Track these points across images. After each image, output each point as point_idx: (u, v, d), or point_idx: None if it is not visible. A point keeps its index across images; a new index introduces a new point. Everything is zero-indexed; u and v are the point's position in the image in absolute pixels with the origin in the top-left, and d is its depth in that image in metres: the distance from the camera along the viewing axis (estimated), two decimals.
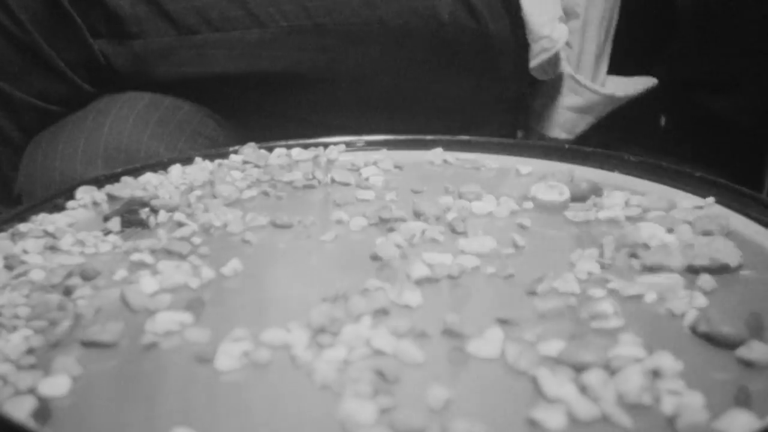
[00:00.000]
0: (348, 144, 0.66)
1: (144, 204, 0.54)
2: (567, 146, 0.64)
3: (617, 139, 1.31)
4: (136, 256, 0.47)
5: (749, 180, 1.29)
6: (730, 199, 0.55)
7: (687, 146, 1.32)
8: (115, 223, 0.52)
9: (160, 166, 0.61)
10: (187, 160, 0.63)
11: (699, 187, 0.58)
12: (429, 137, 0.67)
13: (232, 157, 0.63)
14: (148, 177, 0.60)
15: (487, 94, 0.88)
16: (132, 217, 0.53)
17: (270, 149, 0.65)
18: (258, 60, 0.76)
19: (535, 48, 0.85)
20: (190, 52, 0.74)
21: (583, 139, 1.22)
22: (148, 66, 0.76)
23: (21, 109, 0.77)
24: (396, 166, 0.63)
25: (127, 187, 0.57)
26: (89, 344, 0.39)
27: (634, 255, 0.47)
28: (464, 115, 0.87)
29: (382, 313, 0.41)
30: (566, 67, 0.90)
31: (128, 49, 0.76)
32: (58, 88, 0.77)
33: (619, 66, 1.11)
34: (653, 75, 1.25)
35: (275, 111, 0.80)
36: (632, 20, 1.23)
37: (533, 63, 0.85)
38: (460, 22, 0.82)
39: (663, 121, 1.36)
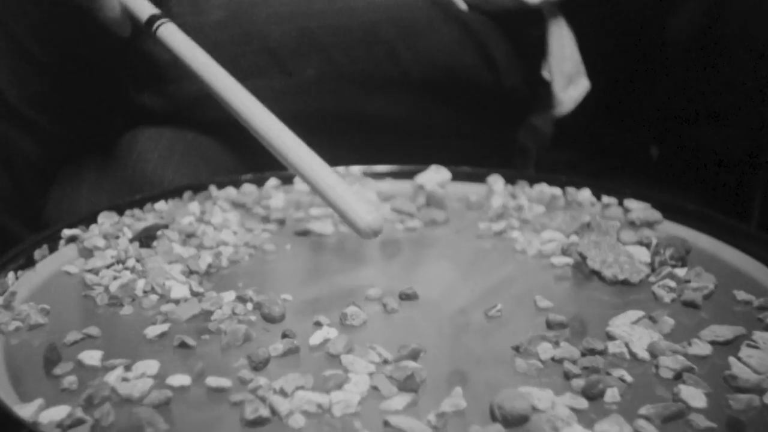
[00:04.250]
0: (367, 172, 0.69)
1: (163, 228, 0.56)
2: None
3: (610, 170, 1.34)
4: None
5: (738, 210, 1.31)
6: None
7: (678, 177, 1.34)
8: (135, 247, 0.54)
9: (177, 193, 0.64)
10: (201, 188, 0.65)
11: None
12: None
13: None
14: (170, 204, 0.62)
15: (494, 133, 0.92)
16: (149, 241, 0.55)
17: (289, 178, 0.67)
18: (284, 106, 0.78)
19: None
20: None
21: (574, 169, 1.25)
22: (181, 110, 0.78)
23: (52, 140, 0.79)
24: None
25: (148, 213, 0.60)
26: None
27: None
28: (468, 148, 0.90)
29: None
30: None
31: (164, 95, 0.78)
32: (91, 125, 0.79)
33: (610, 96, 1.14)
34: (645, 107, 1.28)
35: None
36: (623, 53, 1.26)
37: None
38: (479, 76, 0.86)
39: (654, 152, 1.38)
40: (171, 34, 0.61)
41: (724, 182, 1.30)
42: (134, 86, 0.78)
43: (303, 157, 0.54)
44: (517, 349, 0.41)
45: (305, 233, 0.58)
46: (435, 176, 0.66)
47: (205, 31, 0.76)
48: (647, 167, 1.37)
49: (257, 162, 0.82)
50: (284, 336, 0.43)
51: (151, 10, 0.63)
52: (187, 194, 0.63)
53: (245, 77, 0.78)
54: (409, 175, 0.68)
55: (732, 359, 0.40)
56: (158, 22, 0.62)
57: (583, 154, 1.34)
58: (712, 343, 0.42)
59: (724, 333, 0.42)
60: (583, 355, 0.40)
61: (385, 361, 0.40)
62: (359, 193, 0.62)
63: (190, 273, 0.51)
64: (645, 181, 1.33)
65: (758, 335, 0.42)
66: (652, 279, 0.49)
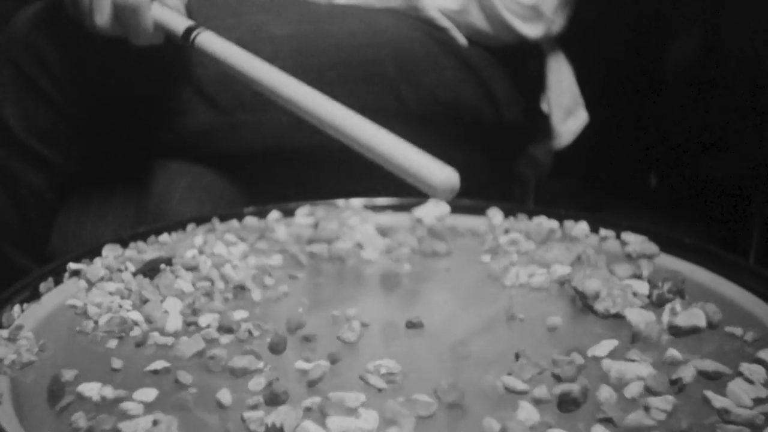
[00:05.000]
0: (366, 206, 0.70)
1: (166, 262, 0.57)
2: None
3: (609, 198, 1.34)
4: None
5: (736, 238, 1.31)
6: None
7: (676, 206, 1.34)
8: (140, 280, 0.55)
9: (180, 225, 0.64)
10: (205, 220, 0.66)
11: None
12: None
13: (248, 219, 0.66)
14: (173, 237, 0.62)
15: (494, 164, 0.93)
16: (153, 274, 0.56)
17: (291, 211, 0.68)
18: (286, 139, 0.80)
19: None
20: (225, 131, 0.79)
21: (574, 199, 1.26)
22: (186, 142, 0.80)
23: (58, 173, 0.81)
24: None
25: (152, 246, 0.60)
26: None
27: None
28: (468, 180, 0.91)
29: None
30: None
31: (169, 128, 0.79)
32: (97, 158, 0.80)
33: (609, 126, 1.15)
34: (643, 137, 1.29)
35: (296, 180, 0.84)
36: (621, 84, 1.27)
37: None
38: (479, 110, 0.87)
39: (653, 181, 1.39)
40: (209, 41, 0.62)
41: (722, 211, 1.31)
42: (141, 120, 0.79)
43: (364, 128, 0.54)
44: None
45: (308, 264, 0.59)
46: (433, 210, 0.67)
47: (210, 67, 0.78)
48: (646, 196, 1.38)
49: (261, 194, 0.83)
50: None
51: (186, 22, 0.64)
52: (190, 227, 0.64)
53: (249, 111, 0.80)
54: (409, 208, 0.68)
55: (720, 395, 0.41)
56: (195, 32, 0.63)
57: (583, 183, 1.35)
58: (699, 374, 0.42)
59: (708, 366, 0.43)
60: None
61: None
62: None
63: (193, 309, 0.51)
64: (644, 210, 1.34)
65: (745, 367, 0.43)
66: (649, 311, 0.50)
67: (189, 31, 0.63)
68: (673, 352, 0.44)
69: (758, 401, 0.40)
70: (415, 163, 0.50)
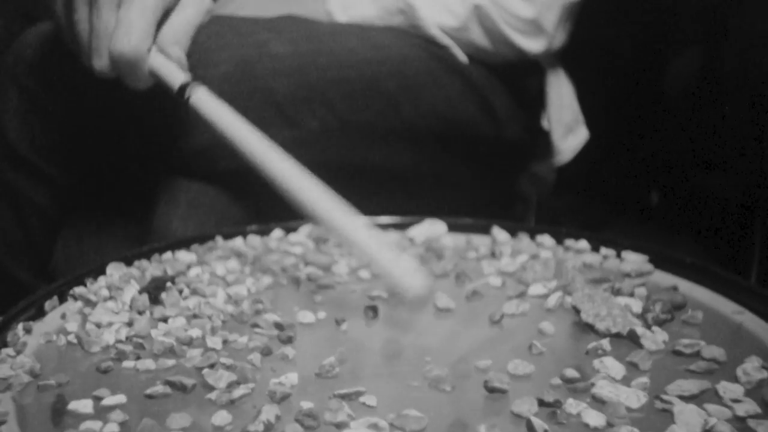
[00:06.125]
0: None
1: (170, 281, 0.58)
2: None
3: (610, 215, 1.35)
4: None
5: (738, 255, 1.31)
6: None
7: (678, 222, 1.35)
8: (144, 299, 0.55)
9: (183, 244, 0.65)
10: (207, 238, 0.66)
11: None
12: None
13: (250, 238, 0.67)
14: (177, 255, 0.63)
15: (495, 182, 0.94)
16: (157, 293, 0.56)
17: (293, 229, 0.69)
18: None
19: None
20: (226, 149, 0.79)
21: (576, 214, 1.26)
22: (189, 160, 0.80)
23: (61, 190, 0.81)
24: None
25: (155, 264, 0.61)
26: None
27: None
28: (469, 197, 0.92)
29: None
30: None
31: (173, 147, 0.80)
32: (99, 176, 0.81)
33: (610, 143, 1.16)
34: (644, 154, 1.29)
35: None
36: (622, 102, 1.28)
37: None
38: (480, 127, 0.88)
39: (654, 198, 1.39)
40: (202, 101, 0.62)
41: (724, 228, 1.31)
42: (144, 138, 0.80)
43: (345, 221, 0.54)
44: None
45: (309, 286, 0.60)
46: (427, 230, 0.67)
47: (212, 84, 0.78)
48: (647, 213, 1.38)
49: (264, 212, 0.83)
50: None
51: (182, 78, 0.64)
52: (194, 246, 0.64)
53: None
54: (409, 227, 0.69)
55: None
56: (187, 93, 0.62)
57: (584, 200, 1.35)
58: (679, 397, 0.43)
59: (689, 387, 0.43)
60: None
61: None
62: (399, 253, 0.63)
63: (198, 332, 0.52)
64: (645, 227, 1.35)
65: (723, 386, 0.44)
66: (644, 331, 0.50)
67: (182, 89, 0.63)
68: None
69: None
70: (391, 267, 0.51)
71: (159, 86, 0.65)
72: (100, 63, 0.64)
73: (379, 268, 0.52)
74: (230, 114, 0.61)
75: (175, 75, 0.64)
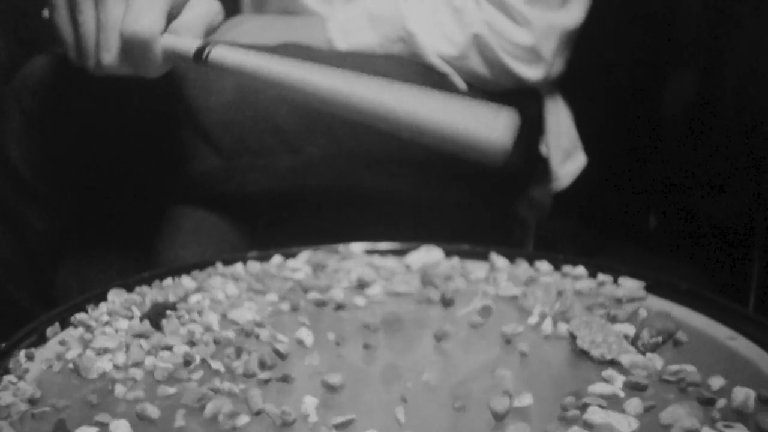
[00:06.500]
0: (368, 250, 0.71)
1: (171, 307, 0.58)
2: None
3: (608, 239, 1.35)
4: None
5: (736, 278, 1.32)
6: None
7: (676, 245, 1.35)
8: (145, 326, 0.56)
9: (185, 270, 0.66)
10: (207, 264, 0.67)
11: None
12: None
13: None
14: (178, 281, 0.64)
15: (493, 207, 0.95)
16: (158, 319, 0.57)
17: (294, 255, 0.69)
18: (290, 183, 0.82)
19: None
20: (229, 175, 0.81)
21: (575, 238, 1.26)
22: (190, 186, 0.82)
23: (64, 216, 0.82)
24: None
25: (156, 291, 0.62)
26: None
27: None
28: (468, 222, 0.93)
29: None
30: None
31: (175, 173, 0.81)
32: (101, 201, 0.82)
33: (608, 167, 1.17)
34: (643, 177, 1.30)
35: (300, 223, 0.86)
36: (620, 126, 1.29)
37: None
38: None
39: (653, 221, 1.40)
40: (222, 55, 0.61)
41: (722, 252, 1.32)
42: (146, 164, 0.81)
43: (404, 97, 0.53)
44: None
45: (308, 310, 0.60)
46: (424, 256, 0.68)
47: (214, 112, 0.80)
48: (645, 237, 1.39)
49: (264, 238, 0.84)
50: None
51: (195, 43, 0.62)
52: (195, 272, 0.65)
53: (253, 156, 0.81)
54: (406, 253, 0.70)
55: None
56: (206, 51, 0.61)
57: (582, 223, 1.36)
58: (672, 424, 0.43)
59: (682, 413, 0.44)
60: None
61: None
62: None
63: (198, 358, 0.52)
64: (643, 251, 1.35)
65: (717, 411, 0.44)
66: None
67: (200, 51, 0.61)
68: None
69: None
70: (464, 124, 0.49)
71: (165, 99, 0.65)
72: (109, 57, 0.63)
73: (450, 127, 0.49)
74: (254, 54, 0.60)
75: (190, 43, 0.62)
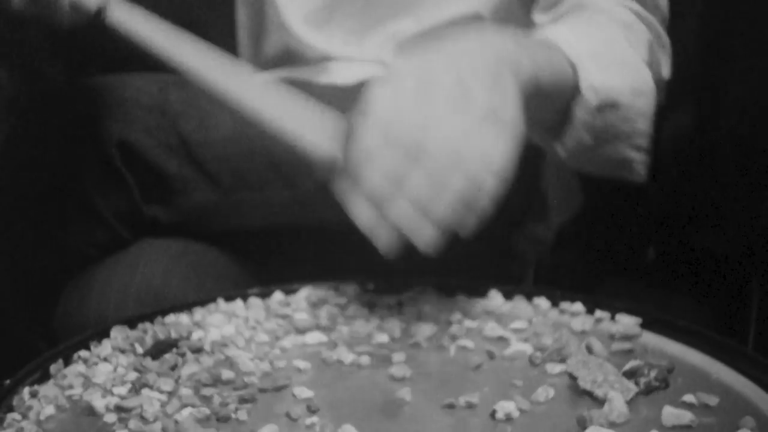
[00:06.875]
0: (363, 288, 0.71)
1: (173, 345, 0.59)
2: None
3: (607, 272, 1.36)
4: None
5: (736, 311, 1.32)
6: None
7: (675, 278, 1.36)
8: (147, 363, 0.57)
9: (187, 307, 0.66)
10: (210, 302, 0.68)
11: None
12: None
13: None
14: (180, 318, 0.65)
15: (493, 243, 0.95)
16: (160, 356, 0.58)
17: (294, 291, 0.70)
18: (288, 216, 0.83)
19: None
20: (227, 209, 0.81)
21: (570, 272, 1.27)
22: (189, 220, 0.82)
23: (62, 252, 0.83)
24: None
25: (158, 327, 0.62)
26: None
27: None
28: (466, 257, 0.93)
29: None
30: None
31: (171, 206, 0.82)
32: (101, 235, 0.83)
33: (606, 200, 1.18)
34: (641, 210, 1.31)
35: (299, 257, 0.86)
36: None
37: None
38: None
39: (651, 254, 1.41)
40: (119, 18, 0.62)
41: (720, 285, 1.32)
42: (142, 198, 0.81)
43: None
44: None
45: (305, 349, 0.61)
46: (416, 296, 0.69)
47: (212, 146, 0.81)
48: (644, 270, 1.39)
49: (264, 272, 0.85)
50: None
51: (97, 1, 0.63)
52: (196, 308, 0.66)
53: (251, 190, 0.82)
54: (400, 291, 0.70)
55: None
56: (105, 11, 0.62)
57: (581, 257, 1.37)
58: None
59: None
60: None
61: None
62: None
63: (201, 396, 0.53)
64: (642, 285, 1.36)
65: None
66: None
67: (100, 9, 0.63)
68: None
69: None
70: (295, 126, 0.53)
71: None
72: None
73: (283, 128, 0.52)
74: (150, 22, 0.62)
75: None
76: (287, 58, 0.94)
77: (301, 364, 0.58)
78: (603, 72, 0.72)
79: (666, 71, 0.84)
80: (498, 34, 0.66)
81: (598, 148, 0.78)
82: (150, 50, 0.61)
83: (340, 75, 0.91)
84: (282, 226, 0.84)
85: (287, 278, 0.71)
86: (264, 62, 0.96)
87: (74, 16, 0.65)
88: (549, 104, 0.71)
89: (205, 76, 0.59)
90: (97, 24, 0.63)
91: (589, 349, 0.58)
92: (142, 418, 0.50)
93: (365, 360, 0.59)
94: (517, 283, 1.04)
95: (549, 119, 0.75)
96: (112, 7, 0.63)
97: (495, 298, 0.69)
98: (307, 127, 0.54)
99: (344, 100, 0.86)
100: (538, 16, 0.83)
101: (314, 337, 0.62)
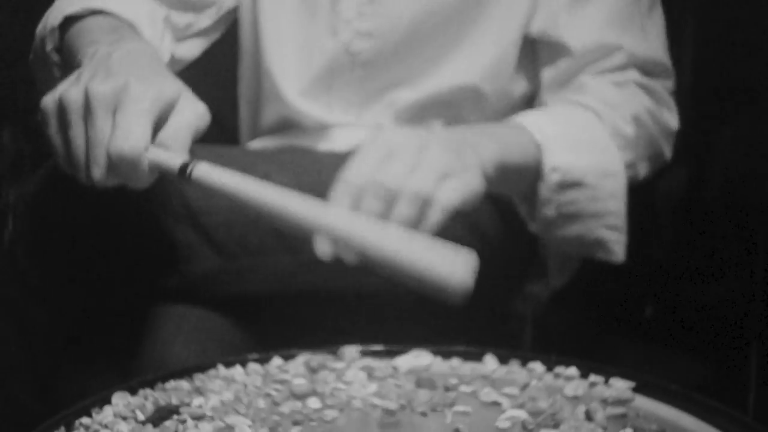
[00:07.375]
0: (361, 353, 0.73)
1: (174, 411, 0.60)
2: None
3: (605, 331, 1.37)
4: None
5: (734, 368, 1.32)
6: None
7: (673, 335, 1.36)
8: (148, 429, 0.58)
9: (187, 373, 0.67)
10: (210, 367, 0.69)
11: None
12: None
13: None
14: (180, 384, 0.66)
15: (489, 303, 0.97)
16: (162, 422, 0.59)
17: (292, 357, 0.71)
18: (290, 282, 0.84)
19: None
20: (230, 276, 0.83)
21: (568, 329, 1.28)
22: (191, 287, 0.84)
23: (66, 316, 0.85)
24: None
25: (159, 393, 0.63)
26: None
27: None
28: (463, 318, 0.95)
29: None
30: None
31: (177, 273, 0.84)
32: (104, 302, 0.84)
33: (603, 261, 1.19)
34: (638, 268, 1.32)
35: (301, 323, 0.88)
36: None
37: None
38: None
39: (649, 311, 1.41)
40: (205, 174, 0.64)
41: (719, 341, 1.33)
42: (147, 266, 0.83)
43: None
44: None
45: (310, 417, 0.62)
46: (413, 361, 0.70)
47: (217, 214, 0.83)
48: (642, 327, 1.40)
49: (265, 337, 0.86)
50: None
51: (181, 159, 0.65)
52: (196, 374, 0.67)
53: (253, 256, 0.84)
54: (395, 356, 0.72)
55: None
56: (190, 167, 0.64)
57: (579, 315, 1.38)
58: None
59: None
60: None
61: None
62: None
63: None
64: (640, 342, 1.36)
65: None
66: None
67: (183, 168, 0.65)
68: None
69: None
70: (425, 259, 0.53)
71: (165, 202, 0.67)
72: (99, 172, 0.66)
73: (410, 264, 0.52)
74: (235, 175, 0.64)
75: (174, 158, 0.65)
76: (285, 127, 0.97)
77: (299, 429, 0.58)
78: (568, 153, 0.80)
79: (674, 123, 0.93)
80: (467, 127, 0.79)
81: (566, 225, 0.83)
82: (237, 201, 0.64)
83: (339, 141, 0.94)
84: (285, 291, 0.86)
85: (289, 343, 0.72)
86: (263, 131, 0.99)
87: (152, 178, 0.68)
88: (518, 179, 0.81)
89: (298, 220, 0.62)
90: (181, 181, 0.66)
91: (590, 417, 0.59)
92: None
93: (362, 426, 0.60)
94: (515, 342, 1.05)
95: (522, 193, 0.85)
96: (193, 165, 0.65)
97: (490, 363, 0.70)
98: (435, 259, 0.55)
99: (344, 166, 0.88)
100: (545, 96, 0.89)
101: (312, 403, 0.63)
